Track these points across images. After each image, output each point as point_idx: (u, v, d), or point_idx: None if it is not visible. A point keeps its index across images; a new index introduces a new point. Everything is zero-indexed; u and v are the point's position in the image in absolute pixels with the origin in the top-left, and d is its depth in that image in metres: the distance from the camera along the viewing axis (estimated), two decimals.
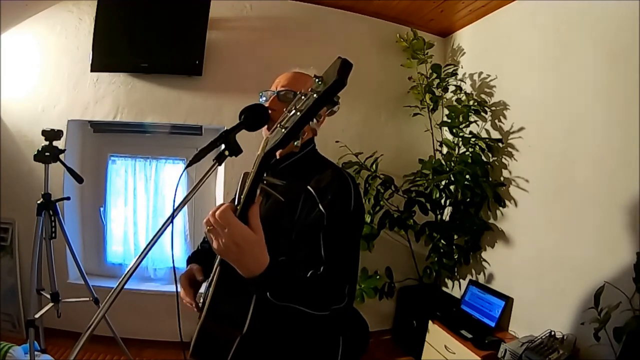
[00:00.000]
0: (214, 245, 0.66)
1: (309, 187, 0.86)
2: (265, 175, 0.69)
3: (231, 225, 0.63)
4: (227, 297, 0.80)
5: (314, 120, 0.52)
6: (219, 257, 0.83)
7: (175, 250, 0.84)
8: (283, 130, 0.55)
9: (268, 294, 0.68)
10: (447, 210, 2.59)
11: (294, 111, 0.54)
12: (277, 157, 0.96)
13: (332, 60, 0.55)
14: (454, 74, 2.71)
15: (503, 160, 2.36)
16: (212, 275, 0.95)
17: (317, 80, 0.51)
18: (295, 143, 0.56)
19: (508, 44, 2.38)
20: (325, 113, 0.90)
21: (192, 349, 0.82)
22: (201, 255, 1.09)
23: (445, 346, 2.16)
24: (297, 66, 1.02)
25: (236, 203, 0.68)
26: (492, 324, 2.15)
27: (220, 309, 0.80)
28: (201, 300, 0.97)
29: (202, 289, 0.99)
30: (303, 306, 0.73)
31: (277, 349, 0.84)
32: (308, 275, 0.75)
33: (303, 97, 0.53)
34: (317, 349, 0.89)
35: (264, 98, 0.97)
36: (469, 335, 2.08)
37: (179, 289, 0.97)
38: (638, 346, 1.41)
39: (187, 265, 1.07)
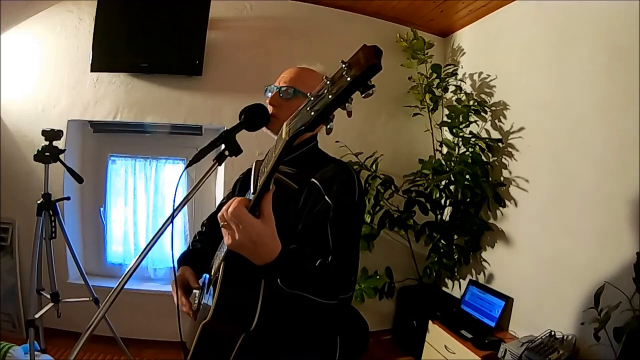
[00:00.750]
0: (227, 240, 0.66)
1: (313, 179, 0.86)
2: None
3: (245, 222, 0.63)
4: (233, 295, 0.80)
5: (349, 102, 0.52)
6: (221, 255, 0.83)
7: (175, 250, 0.84)
8: (312, 113, 0.53)
9: (279, 281, 0.69)
10: (447, 210, 2.59)
11: (324, 94, 0.53)
12: None
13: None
14: (454, 74, 2.71)
15: (503, 160, 2.36)
16: (209, 277, 0.94)
17: (344, 65, 0.51)
18: (328, 126, 0.55)
19: (508, 44, 2.38)
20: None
21: (193, 349, 0.82)
22: (193, 257, 1.09)
23: (445, 346, 2.16)
24: (304, 63, 1.02)
25: (252, 191, 0.68)
26: (492, 324, 2.15)
27: (226, 307, 0.80)
28: (195, 303, 0.97)
29: (196, 292, 0.98)
30: (312, 294, 0.73)
31: (277, 349, 0.84)
32: (317, 264, 0.75)
33: (329, 83, 0.53)
34: (314, 348, 0.89)
35: (269, 93, 0.97)
36: (469, 335, 2.08)
37: (176, 289, 0.96)
38: (638, 346, 1.41)
39: (178, 266, 1.07)
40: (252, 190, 0.68)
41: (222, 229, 0.68)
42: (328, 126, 0.56)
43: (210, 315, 0.80)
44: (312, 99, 0.55)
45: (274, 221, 0.66)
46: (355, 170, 2.37)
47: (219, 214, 0.67)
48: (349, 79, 0.49)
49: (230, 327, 0.78)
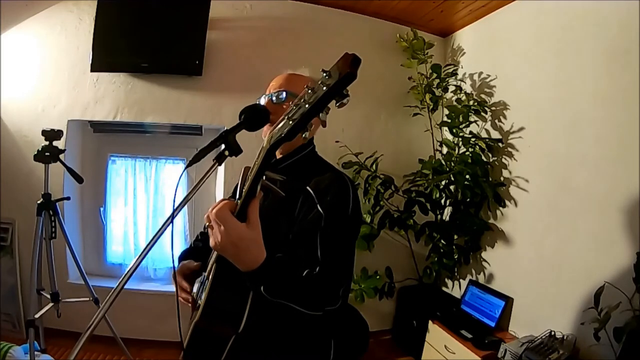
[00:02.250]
0: (211, 241, 0.67)
1: (308, 187, 0.86)
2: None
3: (228, 224, 0.64)
4: (223, 296, 0.80)
5: (324, 112, 0.53)
6: (214, 256, 0.83)
7: (175, 250, 0.84)
8: (290, 122, 0.55)
9: (262, 288, 0.69)
10: (447, 210, 2.59)
11: (302, 104, 0.54)
12: (277, 156, 0.96)
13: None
14: (454, 74, 2.71)
15: (503, 160, 2.36)
16: (205, 275, 0.94)
17: (324, 74, 0.52)
18: (304, 135, 0.56)
19: (508, 44, 2.38)
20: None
21: (185, 347, 0.82)
22: (195, 253, 1.09)
23: (445, 346, 2.16)
24: (296, 66, 1.02)
25: (237, 197, 0.69)
26: (492, 324, 2.15)
27: (216, 308, 0.80)
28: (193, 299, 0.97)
29: (195, 289, 0.98)
30: (297, 304, 0.72)
31: (269, 350, 0.84)
32: (304, 274, 0.75)
33: (310, 91, 0.53)
34: (307, 351, 0.89)
35: (263, 101, 0.97)
36: (469, 335, 2.08)
37: (176, 287, 0.96)
38: (638, 346, 1.41)
39: (179, 262, 1.07)
40: (237, 197, 0.68)
41: (208, 229, 0.68)
42: (304, 135, 0.56)
43: (199, 315, 0.80)
44: (294, 107, 0.56)
45: (259, 228, 0.66)
46: (353, 172, 2.40)
47: (205, 215, 0.68)
48: (324, 88, 0.50)
49: (220, 327, 0.78)
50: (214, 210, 0.65)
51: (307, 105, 0.52)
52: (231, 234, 0.63)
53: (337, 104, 0.52)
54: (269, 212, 0.68)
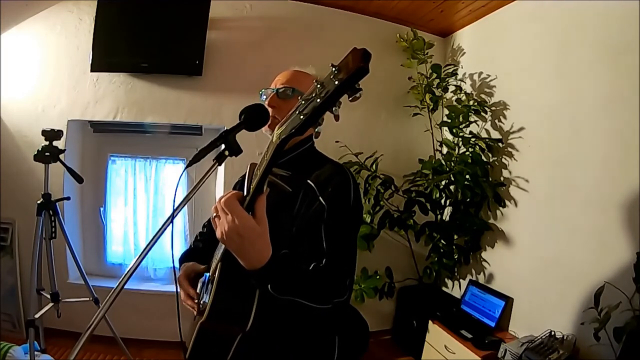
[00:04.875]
0: (218, 232, 0.66)
1: (309, 181, 0.86)
2: None
3: (236, 214, 0.63)
4: (229, 295, 0.80)
5: (336, 106, 0.53)
6: (219, 255, 0.83)
7: (175, 250, 0.84)
8: (302, 117, 0.54)
9: (269, 287, 0.68)
10: (447, 210, 2.59)
11: (312, 98, 0.53)
12: None
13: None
14: (454, 74, 2.71)
15: (503, 160, 2.36)
16: (209, 275, 0.95)
17: (334, 69, 0.51)
18: (316, 130, 0.56)
19: (508, 44, 2.38)
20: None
21: (190, 349, 0.82)
22: (195, 255, 1.09)
23: (445, 346, 2.16)
24: (297, 65, 1.02)
25: (245, 192, 0.68)
26: (492, 324, 2.15)
27: (222, 307, 0.80)
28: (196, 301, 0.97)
29: (197, 289, 0.98)
30: (305, 300, 0.72)
31: (275, 348, 0.84)
32: (310, 268, 0.74)
33: (320, 86, 0.53)
34: (312, 348, 0.89)
35: (264, 96, 0.97)
36: (469, 335, 2.08)
37: (178, 290, 0.96)
38: (638, 346, 1.41)
39: (180, 264, 1.07)
40: (245, 193, 0.68)
41: (214, 220, 0.68)
42: (316, 130, 0.56)
43: (206, 315, 0.80)
44: (303, 102, 0.55)
45: (266, 225, 0.66)
46: (353, 172, 2.39)
47: (213, 206, 0.68)
48: (336, 82, 0.50)
49: (226, 327, 0.78)
50: (223, 199, 0.65)
51: (318, 100, 0.52)
52: (238, 223, 0.63)
53: (350, 99, 0.51)
54: (270, 209, 0.68)
